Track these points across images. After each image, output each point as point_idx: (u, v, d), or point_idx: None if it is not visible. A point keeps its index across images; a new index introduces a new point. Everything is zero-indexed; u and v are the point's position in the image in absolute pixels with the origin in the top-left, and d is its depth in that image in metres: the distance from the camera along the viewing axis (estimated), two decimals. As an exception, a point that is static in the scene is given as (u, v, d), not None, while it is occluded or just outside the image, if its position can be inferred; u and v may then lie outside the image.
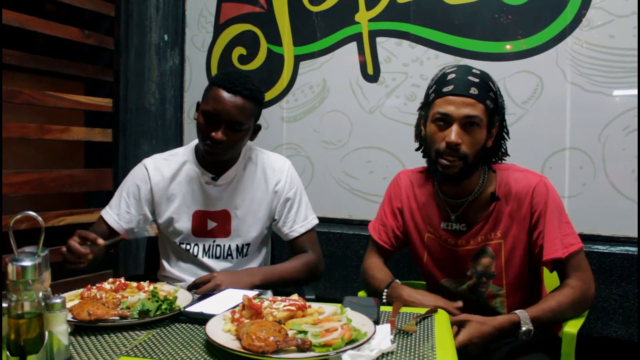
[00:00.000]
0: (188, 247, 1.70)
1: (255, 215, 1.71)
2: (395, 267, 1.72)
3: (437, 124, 1.42)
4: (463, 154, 1.38)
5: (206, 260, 1.69)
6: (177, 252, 1.72)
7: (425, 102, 1.50)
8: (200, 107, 1.59)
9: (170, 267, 1.73)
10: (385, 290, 1.50)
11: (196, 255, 1.69)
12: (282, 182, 1.72)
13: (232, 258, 1.70)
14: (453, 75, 1.41)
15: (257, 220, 1.71)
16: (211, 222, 1.68)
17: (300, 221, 1.73)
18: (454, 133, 1.37)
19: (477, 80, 1.40)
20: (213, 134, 1.52)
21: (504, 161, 1.56)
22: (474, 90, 1.38)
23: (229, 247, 1.70)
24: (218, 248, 1.69)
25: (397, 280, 1.53)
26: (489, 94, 1.40)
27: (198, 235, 1.69)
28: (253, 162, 1.73)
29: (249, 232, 1.71)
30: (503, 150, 1.55)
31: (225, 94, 1.53)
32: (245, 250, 1.72)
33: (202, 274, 1.64)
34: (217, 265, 1.68)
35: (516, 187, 1.47)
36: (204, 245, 1.69)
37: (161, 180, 1.68)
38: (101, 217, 1.68)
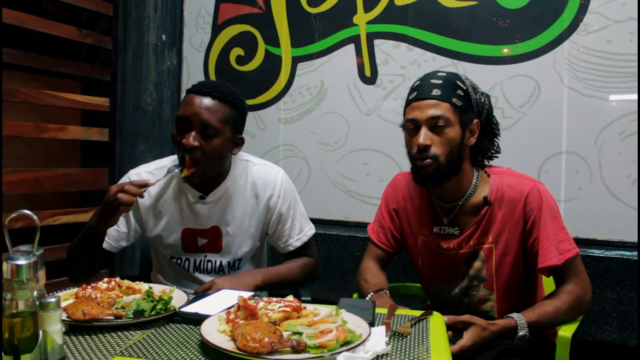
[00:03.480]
0: (179, 261, 1.66)
1: (247, 231, 1.65)
2: (392, 270, 1.72)
3: (409, 131, 1.46)
4: (433, 154, 1.41)
5: (197, 275, 1.66)
6: (169, 265, 1.70)
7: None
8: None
9: (163, 280, 1.70)
10: (371, 294, 1.50)
11: (187, 270, 1.66)
12: (275, 196, 1.64)
13: (224, 273, 1.66)
14: (418, 83, 1.48)
15: (249, 236, 1.66)
16: (201, 239, 1.63)
17: (295, 235, 1.68)
18: (422, 135, 1.41)
19: (439, 81, 1.43)
20: (184, 140, 1.44)
21: (495, 158, 1.57)
22: (436, 92, 1.41)
23: (220, 263, 1.66)
24: (209, 263, 1.65)
25: (387, 291, 1.52)
26: (455, 92, 1.42)
27: (188, 250, 1.65)
28: (243, 176, 1.64)
29: (240, 248, 1.66)
30: (495, 149, 1.55)
31: (195, 97, 1.46)
32: (236, 265, 1.68)
33: (195, 287, 1.61)
34: (209, 279, 1.60)
35: (509, 193, 1.47)
36: (194, 260, 1.65)
37: (147, 197, 1.60)
38: None
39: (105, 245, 1.59)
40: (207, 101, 1.46)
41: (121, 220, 1.59)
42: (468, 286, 1.52)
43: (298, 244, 1.69)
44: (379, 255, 1.67)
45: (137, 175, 1.63)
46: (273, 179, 1.65)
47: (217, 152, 1.49)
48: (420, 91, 1.44)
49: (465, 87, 1.45)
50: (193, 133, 1.45)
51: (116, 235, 1.62)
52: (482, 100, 1.49)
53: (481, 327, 1.32)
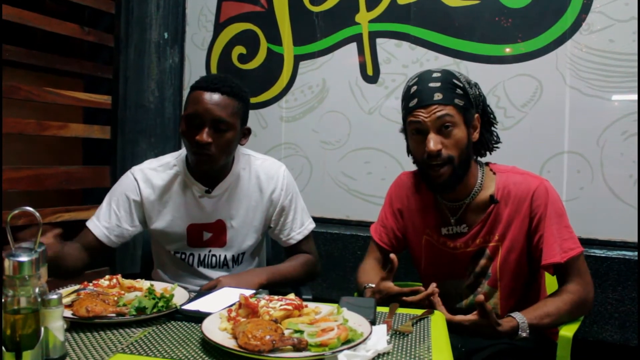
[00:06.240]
0: (183, 256, 1.67)
1: (250, 225, 1.67)
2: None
3: (415, 138, 1.45)
4: (447, 157, 1.40)
5: (202, 269, 1.67)
6: (172, 261, 1.70)
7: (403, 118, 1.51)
8: (182, 116, 1.54)
9: (164, 276, 1.71)
10: (366, 287, 1.50)
11: (191, 265, 1.67)
12: (278, 189, 1.67)
13: (228, 267, 1.67)
14: (415, 88, 1.44)
15: (252, 229, 1.68)
16: (206, 234, 1.64)
17: (296, 228, 1.71)
18: (431, 141, 1.39)
19: (438, 84, 1.41)
20: (197, 137, 1.45)
21: (496, 149, 1.56)
22: (438, 96, 1.39)
23: (225, 257, 1.67)
24: (214, 258, 1.66)
25: (371, 285, 1.49)
26: (455, 92, 1.41)
27: (193, 245, 1.65)
28: (246, 170, 1.67)
29: (244, 242, 1.68)
30: (494, 139, 1.55)
31: (204, 94, 1.47)
32: (240, 259, 1.69)
33: (198, 282, 1.63)
34: (213, 274, 1.65)
35: (516, 190, 1.47)
36: (199, 255, 1.66)
37: (151, 193, 1.62)
38: (88, 230, 1.60)
39: (103, 238, 1.59)
40: (216, 97, 1.48)
41: (123, 215, 1.61)
42: (473, 283, 1.52)
43: (300, 237, 1.71)
44: (379, 255, 1.67)
45: (140, 172, 1.64)
46: (276, 173, 1.68)
47: (230, 145, 1.53)
48: (421, 97, 1.41)
49: (462, 85, 1.43)
50: (206, 129, 1.47)
51: (118, 230, 1.61)
52: (478, 93, 1.49)
53: (489, 326, 1.31)
